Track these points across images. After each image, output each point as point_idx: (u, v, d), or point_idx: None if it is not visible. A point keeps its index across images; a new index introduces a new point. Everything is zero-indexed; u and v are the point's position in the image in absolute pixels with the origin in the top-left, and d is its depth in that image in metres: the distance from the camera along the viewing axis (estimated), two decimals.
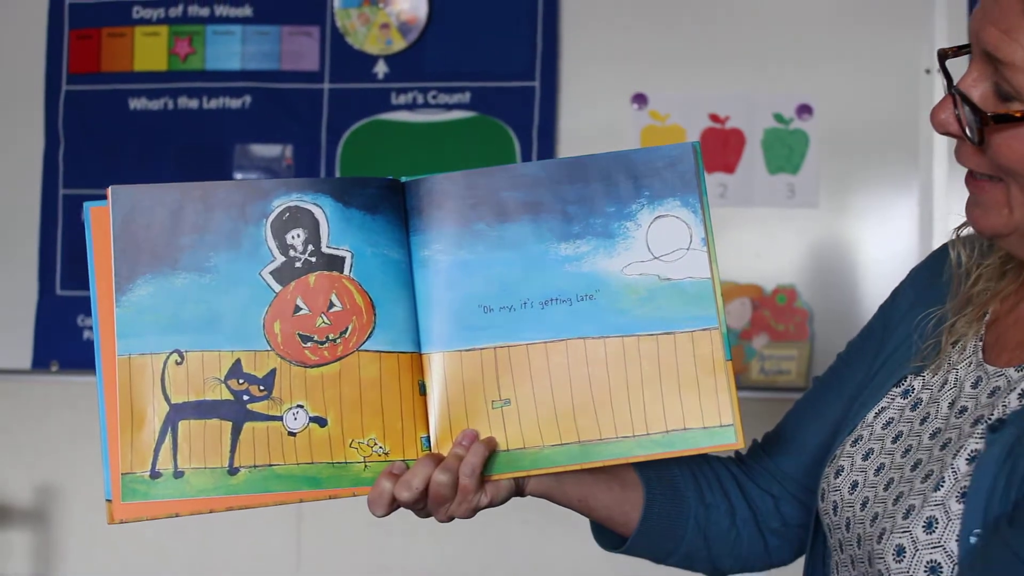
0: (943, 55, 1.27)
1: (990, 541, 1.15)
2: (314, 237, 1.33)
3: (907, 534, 1.21)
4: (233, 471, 1.31)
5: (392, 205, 1.36)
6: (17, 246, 3.07)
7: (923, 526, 1.20)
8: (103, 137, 3.05)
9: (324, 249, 1.33)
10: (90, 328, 2.99)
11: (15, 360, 3.07)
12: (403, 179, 1.38)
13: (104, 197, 1.33)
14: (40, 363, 3.06)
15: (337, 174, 2.99)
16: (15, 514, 3.17)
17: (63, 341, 3.04)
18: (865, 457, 1.35)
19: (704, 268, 1.36)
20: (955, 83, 1.22)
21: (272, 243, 1.33)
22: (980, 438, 1.22)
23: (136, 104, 3.05)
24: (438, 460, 1.33)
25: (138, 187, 1.33)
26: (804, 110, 2.88)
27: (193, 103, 3.04)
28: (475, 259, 1.36)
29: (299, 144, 3.02)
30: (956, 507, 1.19)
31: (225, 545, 3.12)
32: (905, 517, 1.23)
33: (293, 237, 1.33)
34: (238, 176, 3.02)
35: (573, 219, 1.37)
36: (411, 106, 2.99)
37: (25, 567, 3.18)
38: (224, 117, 3.03)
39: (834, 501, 1.36)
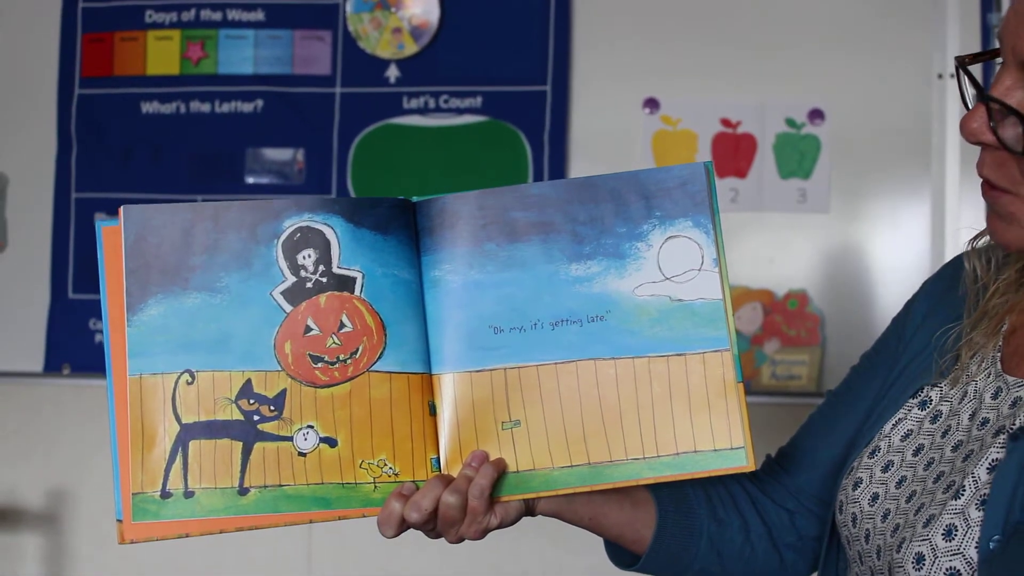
0: (962, 62, 1.25)
1: (1011, 543, 1.16)
2: (325, 257, 1.33)
3: (926, 542, 1.21)
4: (243, 491, 1.31)
5: (403, 225, 1.36)
6: (29, 249, 3.08)
7: (943, 534, 1.21)
8: (115, 141, 3.06)
9: (335, 269, 1.33)
10: (101, 332, 3.00)
11: (27, 363, 3.08)
12: (414, 199, 1.38)
13: (116, 211, 1.34)
14: (52, 366, 3.07)
15: (349, 178, 2.99)
16: (27, 517, 3.18)
17: (75, 344, 3.05)
18: (885, 469, 1.35)
19: (716, 289, 1.36)
20: (986, 91, 1.20)
21: (283, 263, 1.33)
22: (1001, 447, 1.22)
23: (148, 108, 3.05)
24: (448, 481, 1.33)
25: (149, 207, 1.33)
26: (816, 115, 2.88)
27: (205, 107, 3.05)
28: (485, 279, 1.36)
29: (311, 148, 3.02)
30: (976, 514, 1.19)
31: (236, 551, 3.12)
32: (925, 526, 1.23)
33: (304, 257, 1.33)
34: (250, 180, 3.02)
35: (584, 239, 1.36)
36: (423, 110, 2.99)
37: (37, 570, 3.19)
38: (236, 121, 3.03)
39: (853, 513, 1.36)
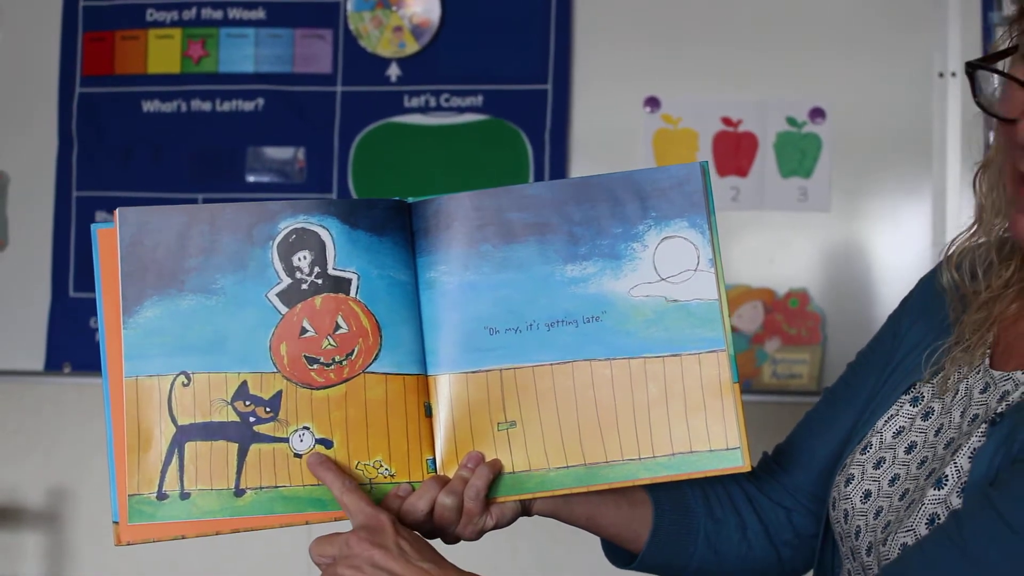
0: (975, 65, 1.23)
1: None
2: (320, 259, 1.33)
3: (911, 532, 1.22)
4: (239, 493, 1.32)
5: (399, 226, 1.36)
6: (30, 248, 3.08)
7: (926, 523, 1.22)
8: (116, 139, 3.05)
9: (330, 271, 1.33)
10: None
11: (28, 362, 3.08)
12: (410, 200, 1.38)
13: (112, 211, 1.34)
14: (53, 365, 3.07)
15: (350, 177, 2.99)
16: (28, 516, 3.18)
17: (75, 343, 3.05)
18: (876, 465, 1.35)
19: (711, 289, 1.36)
20: None
21: (278, 265, 1.33)
22: (983, 436, 1.23)
23: (149, 106, 3.05)
24: (443, 482, 1.33)
25: (145, 209, 1.33)
26: (817, 114, 2.87)
27: (206, 106, 3.04)
28: (481, 281, 1.36)
29: (312, 147, 3.02)
30: (956, 502, 1.20)
31: (236, 549, 3.12)
32: (910, 517, 1.24)
33: (299, 259, 1.33)
34: (251, 179, 3.02)
35: (579, 240, 1.37)
36: (424, 109, 2.99)
37: (38, 569, 3.19)
38: (237, 120, 3.03)
39: (845, 509, 1.36)
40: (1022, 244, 1.28)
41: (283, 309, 1.33)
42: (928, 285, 1.48)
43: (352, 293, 1.34)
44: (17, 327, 3.08)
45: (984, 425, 1.23)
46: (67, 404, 3.16)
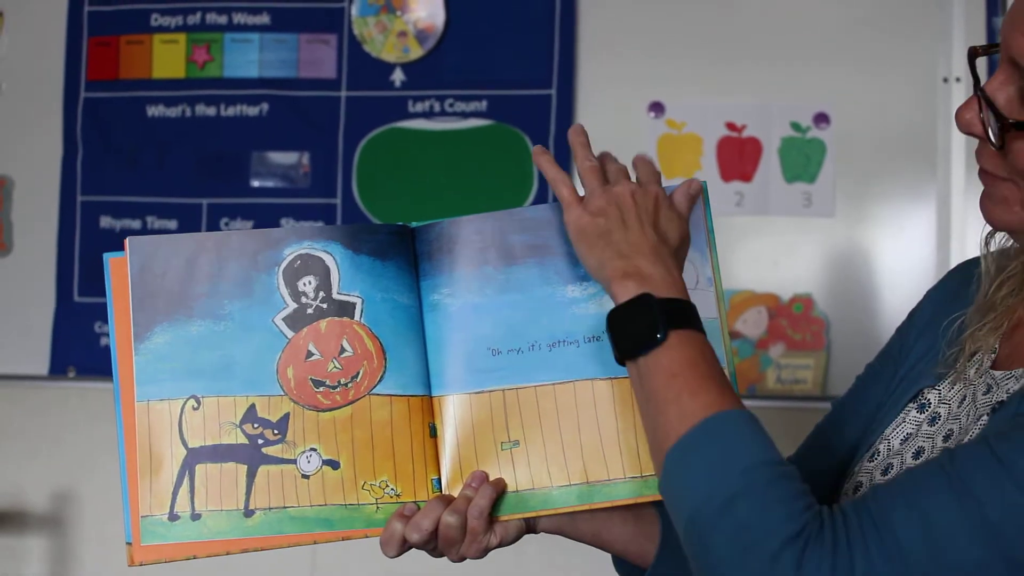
0: (973, 53, 1.25)
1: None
2: (325, 284, 1.35)
3: None
4: (249, 513, 1.33)
5: (402, 251, 1.38)
6: (35, 252, 3.09)
7: None
8: (121, 144, 3.07)
9: (335, 295, 1.35)
10: (107, 335, 3.00)
11: (32, 366, 3.09)
12: (413, 224, 1.40)
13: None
14: (57, 369, 3.08)
15: (354, 182, 3.00)
16: (31, 520, 3.19)
17: (80, 347, 3.06)
18: (884, 472, 1.35)
19: (711, 308, 1.37)
20: (982, 84, 1.21)
21: (284, 290, 1.35)
22: (984, 426, 1.24)
23: (154, 111, 3.06)
24: (448, 501, 1.34)
25: (154, 238, 1.36)
26: (821, 119, 2.88)
27: (211, 110, 3.05)
28: (483, 302, 1.38)
29: (316, 152, 3.03)
30: None
31: (241, 561, 3.12)
32: None
33: (304, 284, 1.35)
34: (255, 183, 3.03)
35: (579, 261, 1.37)
36: (428, 114, 3.00)
37: (41, 572, 3.20)
38: (241, 125, 3.04)
39: None
40: (992, 225, 1.29)
41: (289, 333, 1.35)
42: (934, 297, 1.48)
43: (356, 317, 1.35)
44: (21, 331, 3.09)
45: (985, 416, 1.24)
46: (71, 408, 3.17)
